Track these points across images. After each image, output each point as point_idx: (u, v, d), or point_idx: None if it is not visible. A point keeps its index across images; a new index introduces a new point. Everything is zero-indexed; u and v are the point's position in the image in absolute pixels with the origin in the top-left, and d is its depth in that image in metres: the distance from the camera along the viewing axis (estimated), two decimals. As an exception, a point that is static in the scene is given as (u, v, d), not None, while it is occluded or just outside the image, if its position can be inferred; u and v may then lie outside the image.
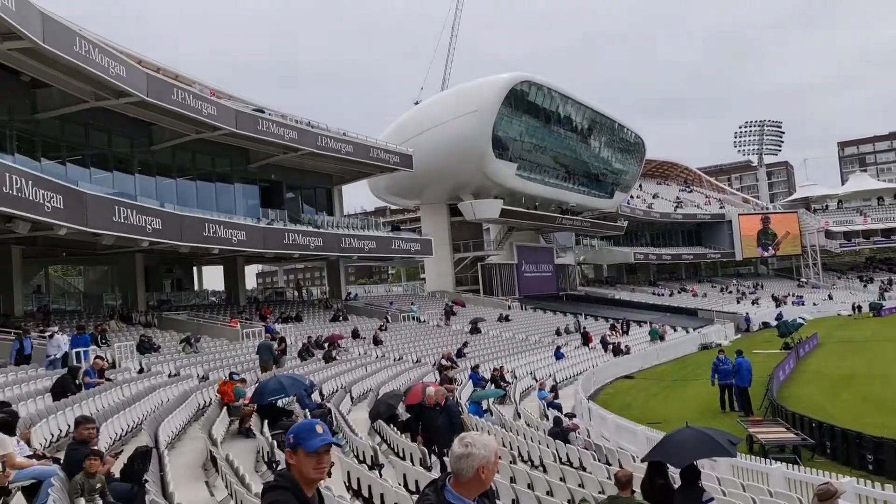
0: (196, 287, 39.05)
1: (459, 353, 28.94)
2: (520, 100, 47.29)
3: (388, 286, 63.54)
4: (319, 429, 2.98)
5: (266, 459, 10.67)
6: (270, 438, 11.19)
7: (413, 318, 37.56)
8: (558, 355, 32.47)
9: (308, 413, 13.71)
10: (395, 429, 13.27)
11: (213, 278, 40.90)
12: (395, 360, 27.26)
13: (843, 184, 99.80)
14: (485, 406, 18.98)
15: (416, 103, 52.55)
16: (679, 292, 69.34)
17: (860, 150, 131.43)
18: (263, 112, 29.97)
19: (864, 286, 77.34)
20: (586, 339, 38.27)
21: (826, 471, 11.56)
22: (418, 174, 41.17)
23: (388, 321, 34.59)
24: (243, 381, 15.74)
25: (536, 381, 25.81)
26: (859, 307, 61.98)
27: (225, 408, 13.84)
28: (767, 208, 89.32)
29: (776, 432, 15.51)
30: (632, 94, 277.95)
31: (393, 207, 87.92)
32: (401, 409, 14.97)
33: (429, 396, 10.81)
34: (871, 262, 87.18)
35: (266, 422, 13.26)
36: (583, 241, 69.18)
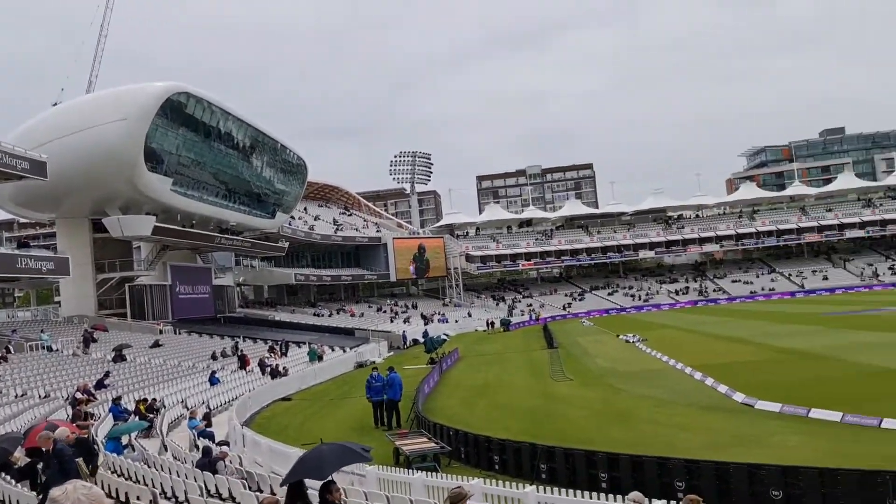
0: None
1: (99, 385, 26.10)
2: (177, 111, 44.66)
3: (11, 311, 55.11)
4: None
5: None
6: None
7: (43, 346, 32.97)
8: (213, 381, 31.09)
9: None
10: (9, 478, 11.36)
11: None
12: (16, 396, 23.56)
13: (480, 213, 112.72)
14: (125, 441, 17.29)
15: (55, 104, 46.78)
16: (338, 312, 71.57)
17: (494, 184, 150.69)
18: None
19: (497, 304, 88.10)
20: (244, 363, 37.28)
21: (460, 475, 12.61)
22: (54, 184, 36.40)
23: (9, 352, 29.86)
24: None
25: (188, 409, 24.35)
26: (493, 323, 70.23)
27: None
28: (418, 233, 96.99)
29: (419, 443, 16.57)
30: (301, 117, 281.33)
31: (22, 220, 76.96)
32: (20, 453, 12.88)
33: (43, 439, 9.35)
34: (503, 282, 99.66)
35: None
36: (243, 261, 67.99)
